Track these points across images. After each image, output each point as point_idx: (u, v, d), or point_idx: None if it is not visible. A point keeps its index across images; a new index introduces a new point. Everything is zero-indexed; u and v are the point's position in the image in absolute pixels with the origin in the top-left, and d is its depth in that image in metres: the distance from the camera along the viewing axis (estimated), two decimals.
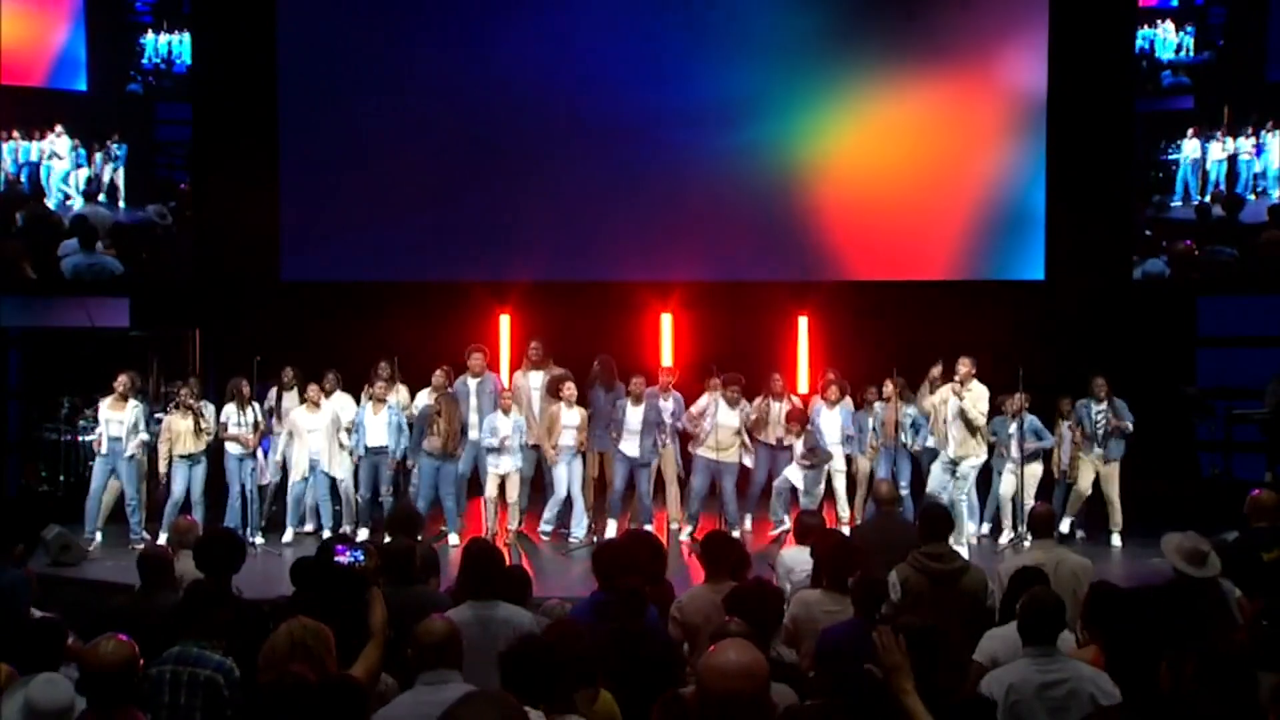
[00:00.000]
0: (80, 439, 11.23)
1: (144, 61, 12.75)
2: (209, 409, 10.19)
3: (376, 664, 4.23)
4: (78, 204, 12.49)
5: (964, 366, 9.68)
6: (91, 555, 9.69)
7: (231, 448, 10.10)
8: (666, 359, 12.03)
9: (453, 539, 9.97)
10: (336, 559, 4.61)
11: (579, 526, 10.11)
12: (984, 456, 9.79)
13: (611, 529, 10.09)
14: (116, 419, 9.99)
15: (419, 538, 6.73)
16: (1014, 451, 10.05)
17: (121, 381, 10.00)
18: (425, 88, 12.57)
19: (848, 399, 10.56)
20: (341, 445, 10.21)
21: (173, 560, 5.97)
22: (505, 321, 12.38)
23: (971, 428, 9.57)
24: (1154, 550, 9.32)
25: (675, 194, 12.41)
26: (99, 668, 3.86)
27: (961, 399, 9.58)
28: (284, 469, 10.48)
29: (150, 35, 12.77)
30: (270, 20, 12.50)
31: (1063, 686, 4.17)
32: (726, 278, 12.54)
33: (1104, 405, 10.03)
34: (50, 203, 12.43)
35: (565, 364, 10.65)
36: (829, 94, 12.50)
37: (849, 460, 10.48)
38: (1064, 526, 9.90)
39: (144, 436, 10.08)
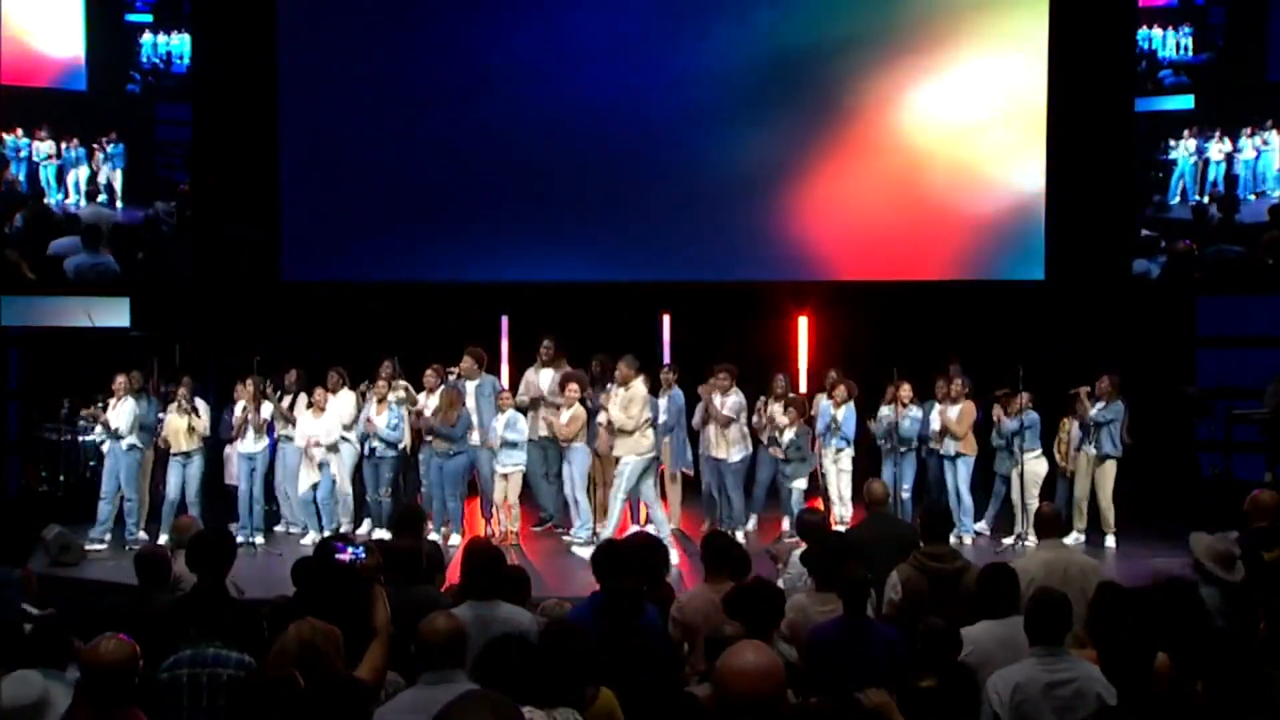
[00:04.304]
0: (80, 439, 11.23)
1: (144, 61, 12.77)
2: (203, 408, 10.24)
3: (382, 663, 4.22)
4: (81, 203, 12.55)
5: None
6: (93, 555, 9.70)
7: (242, 447, 10.13)
8: (666, 359, 12.00)
9: (454, 539, 9.96)
10: (337, 557, 4.58)
11: (582, 527, 10.10)
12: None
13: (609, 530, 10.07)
14: (115, 419, 10.03)
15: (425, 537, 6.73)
16: (1015, 452, 10.04)
17: (120, 383, 10.04)
18: (425, 88, 12.58)
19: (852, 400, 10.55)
20: (344, 442, 10.23)
21: (170, 560, 5.97)
22: (505, 321, 12.37)
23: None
24: (1151, 551, 9.43)
25: (675, 194, 12.42)
26: (99, 667, 3.83)
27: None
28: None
29: (150, 35, 12.78)
30: (270, 20, 12.50)
31: (1070, 686, 4.17)
32: (726, 278, 12.54)
33: (1103, 403, 10.00)
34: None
35: (565, 364, 10.65)
36: (829, 94, 12.51)
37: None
38: (1071, 537, 9.76)
39: (136, 437, 10.09)
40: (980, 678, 4.41)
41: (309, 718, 3.45)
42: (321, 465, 10.18)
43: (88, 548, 9.78)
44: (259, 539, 10.08)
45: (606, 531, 9.26)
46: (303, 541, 10.16)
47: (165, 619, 4.84)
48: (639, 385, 9.50)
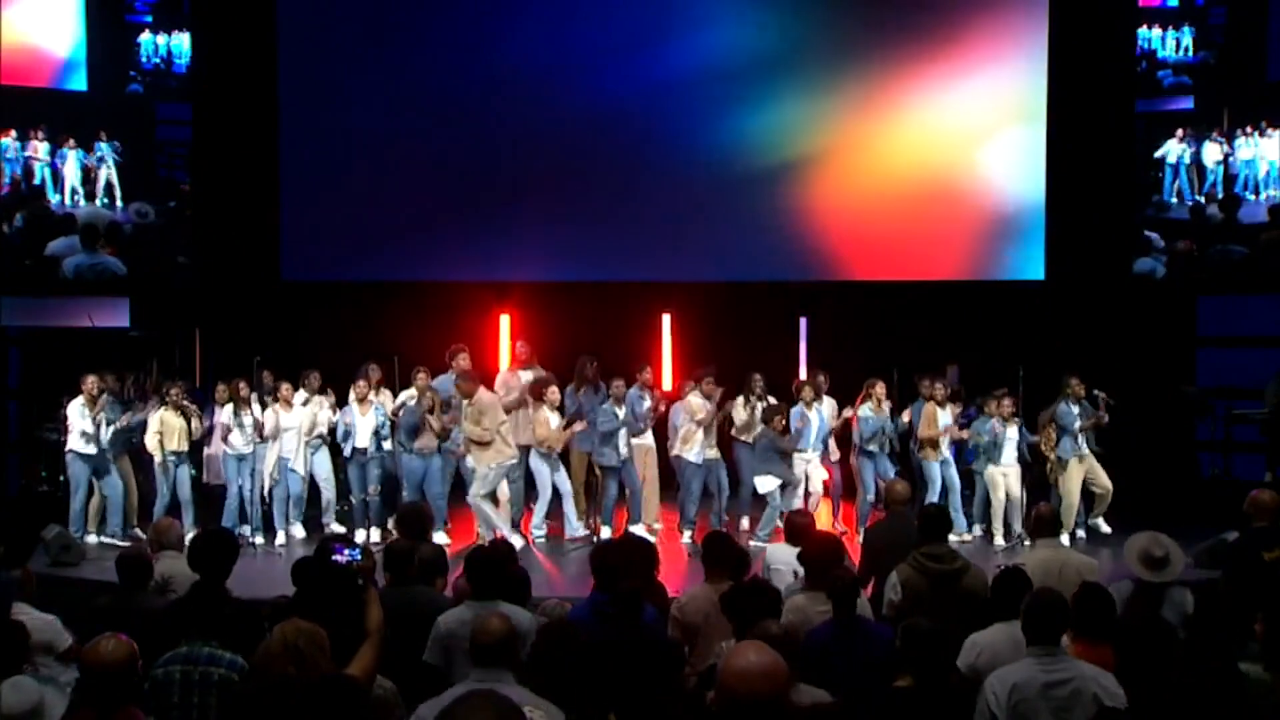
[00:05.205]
0: None
1: (144, 61, 12.77)
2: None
3: (372, 664, 4.21)
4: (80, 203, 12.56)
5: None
6: (90, 555, 9.69)
7: (233, 446, 10.10)
8: (666, 359, 12.02)
9: (441, 537, 9.88)
10: (334, 558, 4.57)
11: (575, 527, 10.08)
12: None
13: (606, 531, 10.06)
14: (93, 419, 9.88)
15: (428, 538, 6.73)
16: (1008, 454, 10.02)
17: (91, 383, 9.91)
18: (425, 88, 12.59)
19: (827, 399, 10.52)
20: (320, 441, 10.20)
21: (152, 561, 5.98)
22: (505, 321, 12.38)
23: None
24: None
25: (675, 194, 12.42)
26: (99, 667, 3.83)
27: None
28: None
29: (150, 35, 12.79)
30: (270, 20, 12.50)
31: (1067, 686, 4.17)
32: (726, 278, 12.54)
33: (1079, 405, 9.96)
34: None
35: (565, 364, 10.63)
36: (830, 94, 12.51)
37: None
38: (1064, 539, 9.73)
39: (110, 435, 9.99)
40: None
41: (298, 717, 3.45)
42: (285, 465, 10.12)
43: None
44: (258, 539, 10.07)
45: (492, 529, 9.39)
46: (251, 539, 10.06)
47: (164, 619, 4.84)
48: (483, 395, 9.56)
